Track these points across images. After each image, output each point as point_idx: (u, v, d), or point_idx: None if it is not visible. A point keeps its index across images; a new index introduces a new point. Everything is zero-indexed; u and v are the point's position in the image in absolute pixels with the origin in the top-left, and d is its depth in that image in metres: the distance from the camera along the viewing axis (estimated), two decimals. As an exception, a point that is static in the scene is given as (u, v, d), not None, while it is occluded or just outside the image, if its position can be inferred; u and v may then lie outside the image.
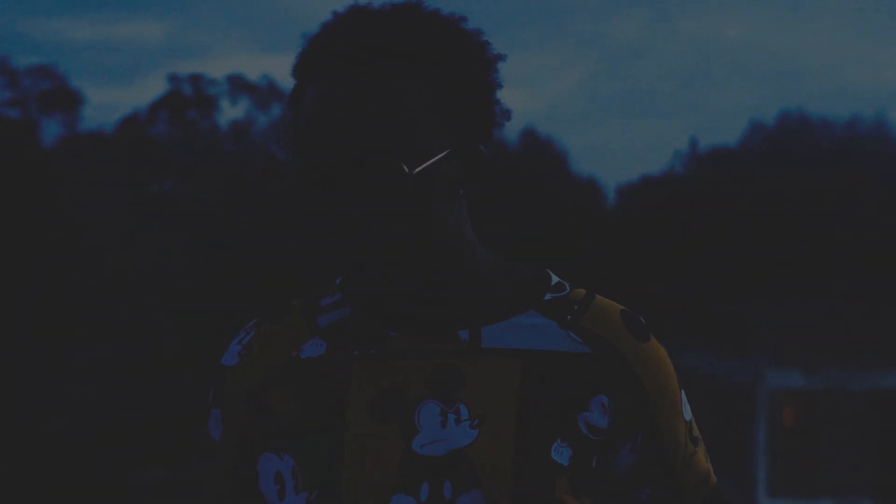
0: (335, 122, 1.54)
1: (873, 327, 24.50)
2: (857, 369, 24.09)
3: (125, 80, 75.85)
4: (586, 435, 1.61)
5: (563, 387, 1.61)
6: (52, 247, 31.35)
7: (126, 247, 32.45)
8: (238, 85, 41.72)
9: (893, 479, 24.05)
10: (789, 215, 36.37)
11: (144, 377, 29.82)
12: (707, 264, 35.48)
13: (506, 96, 1.67)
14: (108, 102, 70.96)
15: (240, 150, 40.56)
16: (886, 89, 72.65)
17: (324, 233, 1.59)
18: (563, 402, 1.61)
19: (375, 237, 1.56)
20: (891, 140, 43.18)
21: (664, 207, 38.53)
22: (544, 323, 1.65)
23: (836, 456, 24.00)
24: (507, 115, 1.66)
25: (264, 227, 33.15)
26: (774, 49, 76.56)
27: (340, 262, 1.60)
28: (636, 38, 77.45)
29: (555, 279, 1.70)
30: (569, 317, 1.65)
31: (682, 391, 1.69)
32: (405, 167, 1.54)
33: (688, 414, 1.70)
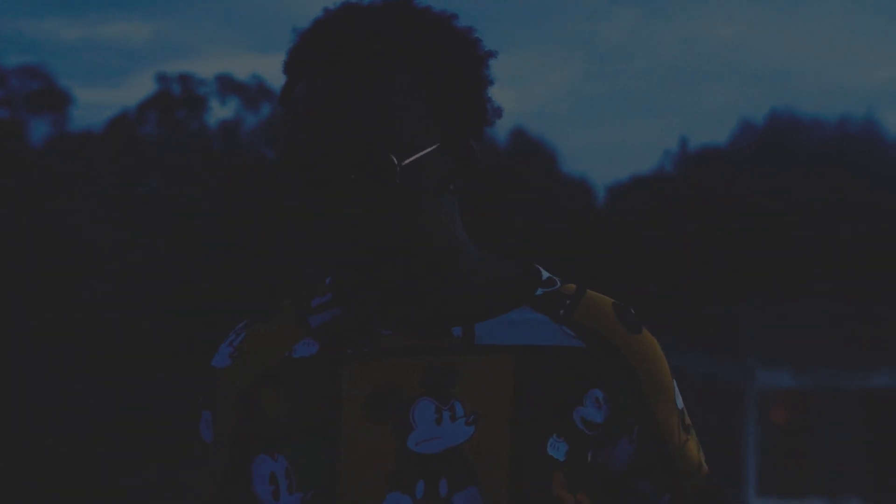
0: (324, 116, 1.54)
1: (863, 327, 24.55)
2: (847, 369, 24.14)
3: (114, 79, 75.75)
4: (582, 430, 1.61)
5: (558, 382, 1.61)
6: (41, 246, 31.30)
7: (115, 246, 32.41)
8: (227, 85, 41.70)
9: (883, 477, 24.10)
10: (779, 215, 36.43)
11: (134, 377, 29.80)
12: (697, 264, 35.54)
13: (495, 95, 1.67)
14: (96, 102, 70.86)
15: (229, 150, 40.53)
16: (876, 89, 72.81)
17: (313, 232, 1.58)
18: (558, 397, 1.61)
19: (365, 232, 1.55)
20: (881, 140, 43.28)
21: (654, 207, 38.58)
22: (537, 318, 1.64)
23: (827, 455, 24.05)
24: (498, 112, 1.66)
25: (254, 226, 33.13)
26: (764, 49, 76.69)
27: (330, 261, 1.59)
28: (626, 38, 77.52)
29: (545, 274, 1.70)
30: (561, 311, 1.65)
31: (674, 381, 1.70)
32: (394, 159, 1.53)
33: (680, 403, 1.70)
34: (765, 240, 35.77)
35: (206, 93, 41.40)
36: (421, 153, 1.56)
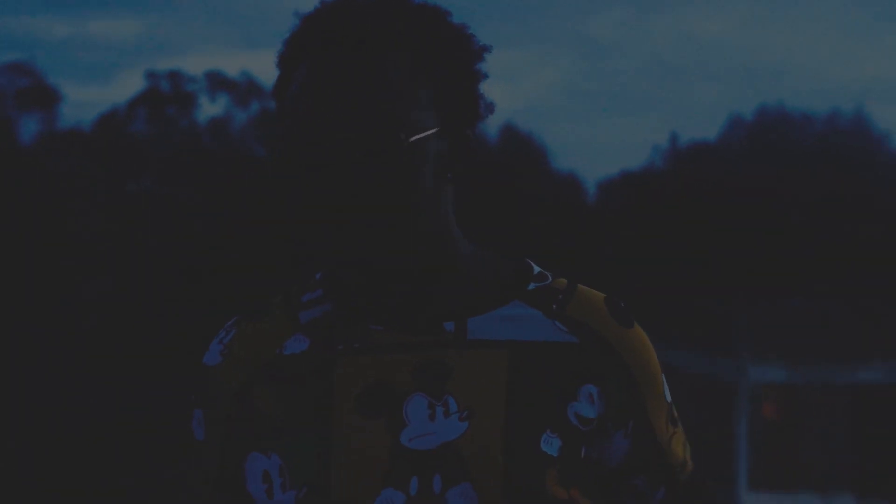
0: (332, 93, 1.55)
1: (855, 322, 24.59)
2: (838, 364, 24.17)
3: (103, 77, 75.65)
4: (575, 425, 1.60)
5: (551, 377, 1.61)
6: (31, 244, 31.25)
7: (106, 243, 32.37)
8: (216, 81, 41.64)
9: (874, 472, 24.15)
10: (770, 210, 36.47)
11: (131, 376, 29.77)
12: (688, 260, 35.56)
13: (486, 91, 1.69)
14: (86, 99, 70.81)
15: (219, 147, 40.48)
16: (866, 84, 72.96)
17: (308, 221, 1.57)
18: (552, 393, 1.60)
19: (367, 214, 1.55)
20: (870, 135, 43.34)
21: (644, 203, 38.62)
22: (530, 313, 1.64)
23: (817, 450, 24.09)
24: (490, 107, 1.67)
25: (244, 223, 33.11)
26: (754, 45, 76.79)
27: (326, 252, 1.58)
28: (615, 34, 77.61)
29: (536, 269, 1.70)
30: (554, 306, 1.65)
31: (663, 374, 1.70)
32: (402, 135, 1.54)
33: (668, 396, 1.71)
34: (755, 235, 35.80)
35: (195, 90, 41.35)
36: (424, 133, 1.56)
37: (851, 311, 24.99)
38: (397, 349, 1.60)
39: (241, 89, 41.49)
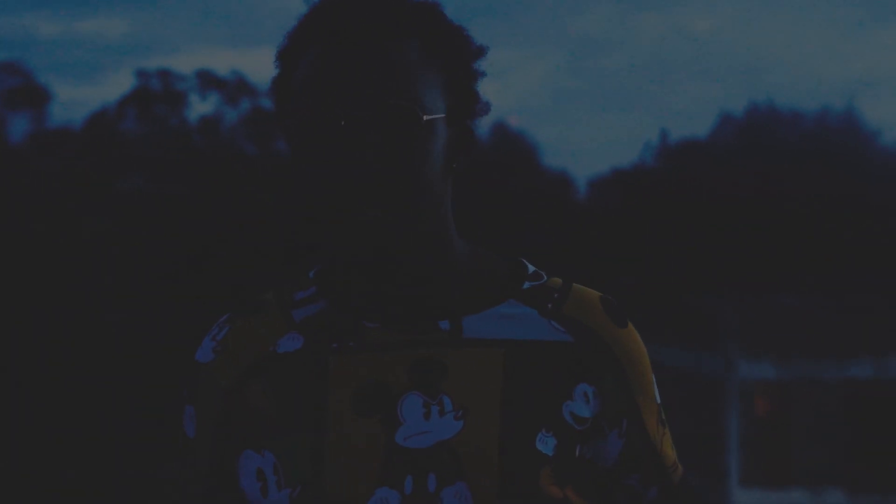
0: (349, 72, 1.55)
1: (844, 318, 24.62)
2: (828, 360, 24.21)
3: (93, 76, 75.41)
4: (571, 424, 1.60)
5: (547, 376, 1.61)
6: (20, 243, 31.18)
7: (97, 242, 32.31)
8: (207, 80, 41.56)
9: (864, 468, 24.18)
10: (759, 207, 36.49)
11: (126, 375, 29.72)
12: (678, 257, 35.57)
13: (481, 91, 1.69)
14: (75, 99, 70.60)
15: (209, 145, 40.41)
16: (856, 81, 73.01)
17: (323, 205, 1.56)
18: (547, 392, 1.60)
19: (383, 192, 1.54)
20: (860, 132, 43.38)
21: (635, 200, 38.62)
22: (525, 312, 1.64)
23: (808, 446, 24.12)
24: (486, 107, 1.67)
25: (234, 221, 33.06)
26: (743, 41, 76.83)
27: (338, 238, 1.57)
28: (604, 32, 77.61)
29: (531, 268, 1.70)
30: (549, 305, 1.65)
31: (653, 374, 1.71)
32: (418, 111, 1.55)
33: (658, 398, 1.71)
34: (745, 232, 35.83)
35: (185, 88, 41.27)
36: (437, 116, 1.57)
37: (841, 307, 25.03)
38: (392, 347, 1.60)
39: (232, 88, 41.43)
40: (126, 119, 40.76)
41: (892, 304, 25.40)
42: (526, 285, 1.67)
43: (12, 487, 27.22)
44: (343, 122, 1.53)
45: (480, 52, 1.66)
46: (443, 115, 1.58)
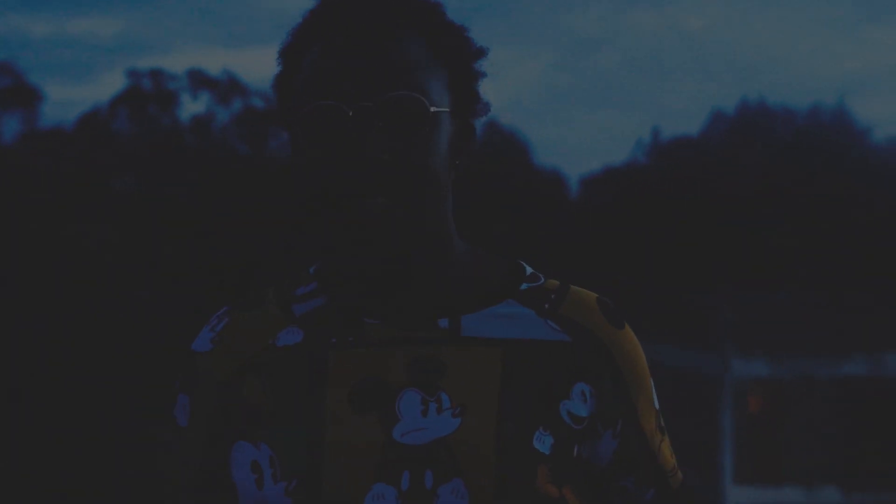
0: (357, 63, 1.56)
1: (837, 315, 24.66)
2: (822, 358, 24.24)
3: (84, 76, 75.41)
4: (568, 424, 1.61)
5: (544, 375, 1.61)
6: (13, 243, 31.17)
7: (89, 242, 32.30)
8: (198, 80, 41.53)
9: (858, 465, 24.22)
10: (752, 205, 36.54)
11: (124, 374, 29.72)
12: (671, 254, 35.61)
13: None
14: (67, 99, 70.61)
15: (201, 145, 40.41)
16: (847, 78, 73.17)
17: (330, 197, 1.56)
18: (545, 391, 1.61)
19: (391, 184, 1.55)
20: (851, 129, 43.45)
21: (627, 198, 38.66)
22: (523, 312, 1.65)
23: (802, 443, 24.15)
24: (486, 107, 1.69)
25: (226, 221, 33.07)
26: (735, 39, 76.96)
27: (343, 231, 1.57)
28: (596, 30, 77.71)
29: (529, 270, 1.71)
30: (546, 305, 1.66)
31: (651, 380, 1.71)
32: (426, 102, 1.56)
33: (656, 403, 1.72)
34: (738, 230, 35.88)
35: (177, 88, 41.25)
36: (445, 109, 1.59)
37: (834, 304, 25.06)
38: (391, 344, 1.60)
39: (223, 87, 41.41)
40: (118, 119, 40.74)
41: (886, 301, 25.45)
42: (524, 286, 1.68)
43: (12, 487, 27.21)
44: (351, 113, 1.54)
45: (481, 52, 1.67)
46: (448, 109, 1.60)
